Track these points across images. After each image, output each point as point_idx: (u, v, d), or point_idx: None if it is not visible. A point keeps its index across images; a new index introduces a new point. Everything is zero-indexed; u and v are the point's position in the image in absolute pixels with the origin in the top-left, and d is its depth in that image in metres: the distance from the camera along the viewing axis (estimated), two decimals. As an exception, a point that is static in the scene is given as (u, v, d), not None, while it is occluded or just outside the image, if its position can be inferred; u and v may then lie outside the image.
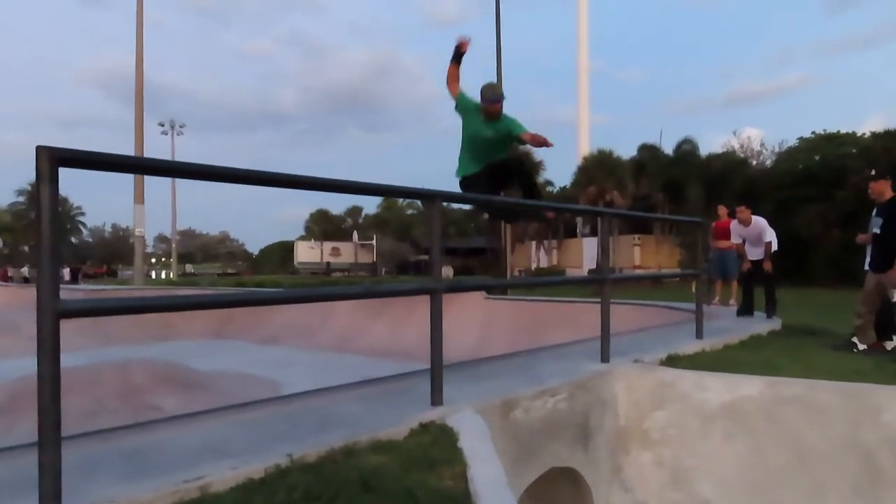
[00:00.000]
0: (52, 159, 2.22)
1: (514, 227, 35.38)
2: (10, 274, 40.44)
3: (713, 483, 5.32)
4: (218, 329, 16.26)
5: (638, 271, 34.08)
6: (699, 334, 7.04)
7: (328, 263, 52.87)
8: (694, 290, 8.12)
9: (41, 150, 2.22)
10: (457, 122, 5.69)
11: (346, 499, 2.53)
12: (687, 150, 36.09)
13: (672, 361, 6.09)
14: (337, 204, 77.94)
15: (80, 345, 13.14)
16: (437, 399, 3.73)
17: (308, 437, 3.09)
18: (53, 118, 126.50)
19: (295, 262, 55.07)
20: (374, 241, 56.33)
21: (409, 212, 66.44)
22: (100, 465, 2.69)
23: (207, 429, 3.28)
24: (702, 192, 31.60)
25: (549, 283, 20.16)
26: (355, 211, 74.04)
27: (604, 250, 6.05)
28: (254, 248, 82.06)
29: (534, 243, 42.96)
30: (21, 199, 62.66)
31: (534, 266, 40.25)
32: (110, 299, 2.97)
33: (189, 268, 65.61)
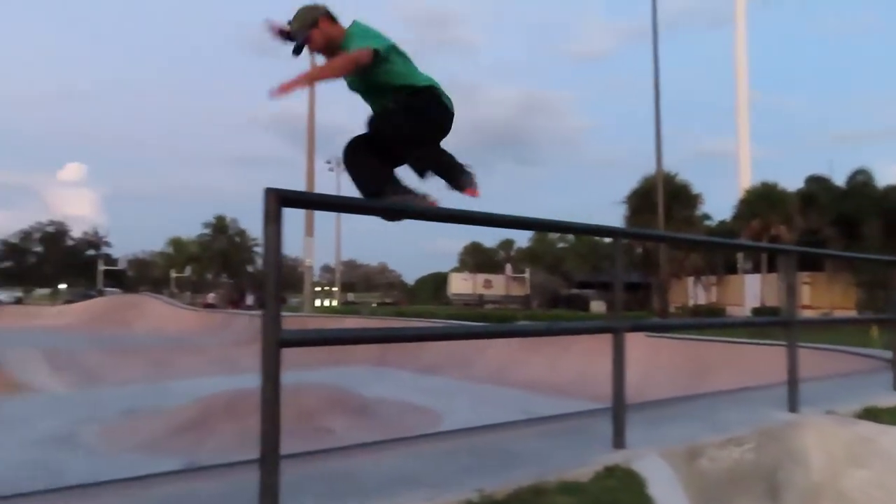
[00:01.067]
0: (278, 200, 2.43)
1: (669, 262, 33.88)
2: (210, 301, 44.04)
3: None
4: (379, 357, 16.96)
5: (812, 313, 31.18)
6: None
7: (481, 295, 53.48)
8: (875, 335, 7.28)
9: (269, 192, 2.43)
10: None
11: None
12: (861, 181, 32.92)
13: (871, 414, 5.45)
14: (490, 237, 78.98)
15: (255, 368, 14.25)
16: (619, 441, 3.61)
17: (495, 473, 3.09)
18: (230, 159, 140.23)
19: (448, 293, 56.26)
20: (526, 275, 56.28)
21: (560, 245, 65.81)
22: (301, 487, 2.85)
23: (395, 457, 3.39)
24: (880, 227, 28.56)
25: (731, 324, 19.01)
26: (507, 244, 74.66)
27: (790, 290, 5.63)
28: (409, 278, 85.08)
29: (691, 279, 40.81)
30: (207, 231, 69.64)
31: (691, 303, 38.13)
32: (327, 330, 3.18)
33: (350, 296, 69.11)
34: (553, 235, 67.81)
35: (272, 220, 2.40)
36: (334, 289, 56.34)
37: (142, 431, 8.75)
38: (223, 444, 7.80)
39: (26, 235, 56.94)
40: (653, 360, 12.74)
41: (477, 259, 69.88)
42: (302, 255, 28.88)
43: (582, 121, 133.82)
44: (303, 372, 14.53)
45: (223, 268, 69.31)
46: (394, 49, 3.27)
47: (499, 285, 56.51)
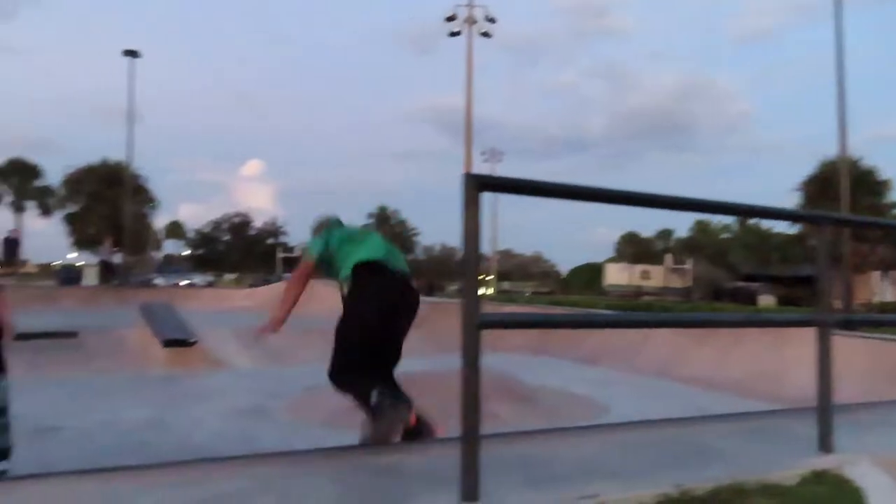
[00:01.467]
0: (476, 185, 2.47)
1: (852, 255, 30.70)
2: None
3: None
4: (537, 346, 16.92)
5: None
6: None
7: (638, 287, 51.64)
8: None
9: (467, 177, 2.48)
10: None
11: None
12: None
13: None
14: (647, 226, 76.13)
15: (420, 350, 14.79)
16: (826, 445, 3.32)
17: (689, 468, 2.97)
18: (390, 153, 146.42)
19: (604, 284, 54.91)
20: (687, 265, 53.53)
21: (724, 235, 61.83)
22: (494, 468, 2.90)
23: (580, 445, 3.37)
24: None
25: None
26: (666, 234, 71.44)
27: None
28: (563, 268, 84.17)
29: (877, 273, 36.65)
30: (370, 221, 73.28)
31: (876, 300, 34.24)
32: (523, 314, 3.21)
33: (505, 285, 69.63)
34: (716, 225, 63.78)
35: (471, 204, 2.45)
36: (489, 277, 57.02)
37: (323, 407, 9.37)
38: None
39: (216, 225, 63.42)
40: (836, 359, 11.60)
41: (634, 249, 67.53)
42: (460, 245, 29.36)
43: (743, 104, 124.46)
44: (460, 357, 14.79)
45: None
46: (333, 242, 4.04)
47: (657, 276, 54.18)
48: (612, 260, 65.20)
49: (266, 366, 12.73)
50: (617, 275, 54.58)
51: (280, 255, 53.06)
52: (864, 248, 32.21)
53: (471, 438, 2.42)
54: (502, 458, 3.09)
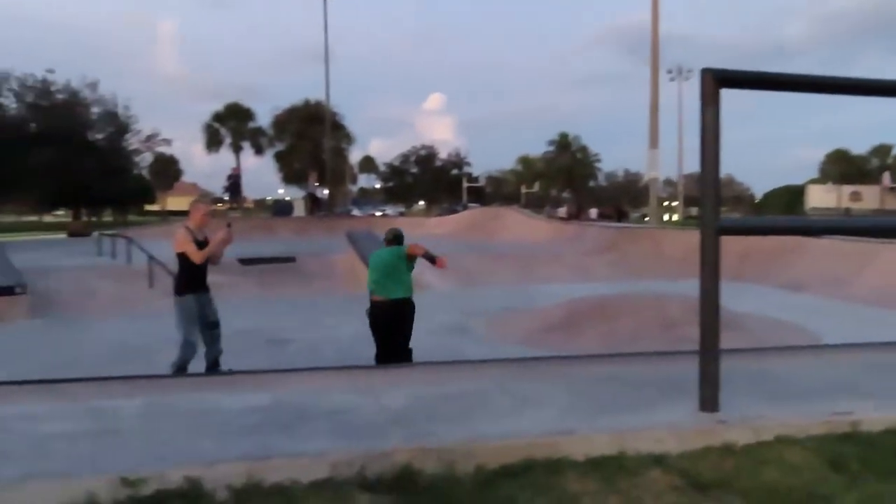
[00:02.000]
0: (715, 81, 2.27)
1: None
2: (561, 214, 45.64)
3: None
4: (735, 271, 15.81)
5: None
6: None
7: (847, 209, 46.01)
8: None
9: (705, 73, 2.28)
10: None
11: None
12: None
13: None
14: (859, 143, 67.20)
15: (608, 276, 14.53)
16: None
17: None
18: (571, 79, 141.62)
19: (806, 208, 49.67)
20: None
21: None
22: (738, 383, 2.75)
23: (827, 363, 3.12)
24: None
25: None
26: (883, 150, 62.45)
27: None
28: (758, 191, 77.61)
29: None
30: (551, 148, 72.13)
31: None
32: (763, 219, 2.98)
33: (693, 210, 65.69)
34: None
35: (710, 103, 2.27)
36: (675, 203, 53.95)
37: (518, 326, 9.60)
38: (589, 343, 8.14)
39: (405, 159, 66.08)
40: None
41: (842, 168, 59.96)
42: (645, 169, 28.04)
43: None
44: (663, 282, 14.36)
45: (567, 183, 71.46)
46: None
47: (871, 198, 47.68)
48: (814, 181, 58.60)
49: (462, 287, 13.25)
50: (822, 196, 48.93)
51: (465, 184, 54.25)
52: None
53: (710, 348, 2.32)
54: (739, 372, 2.94)
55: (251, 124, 55.32)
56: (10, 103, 31.01)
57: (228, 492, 1.84)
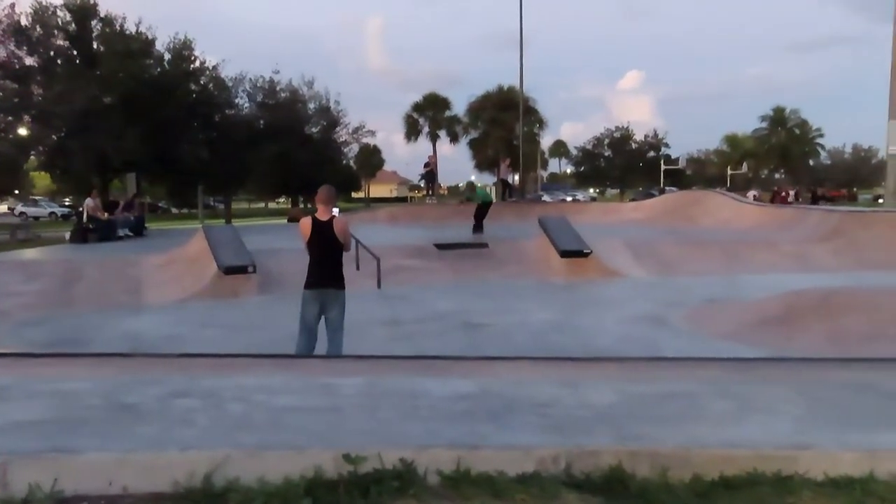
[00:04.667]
0: None
1: None
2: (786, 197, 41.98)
3: None
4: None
5: None
6: None
7: None
8: None
9: None
10: None
11: None
12: None
13: None
14: None
15: (834, 265, 12.96)
16: None
17: None
18: (788, 44, 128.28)
19: None
20: None
21: None
22: None
23: None
24: None
25: None
26: None
27: None
28: None
29: None
30: (764, 125, 66.14)
31: None
32: None
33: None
34: None
35: None
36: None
37: (725, 320, 8.93)
38: (813, 342, 7.32)
39: (598, 142, 64.31)
40: None
41: None
42: (885, 143, 24.67)
43: None
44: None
45: (782, 162, 65.19)
46: None
47: None
48: None
49: (660, 276, 12.62)
50: None
51: (663, 166, 51.65)
52: None
53: None
54: None
55: (447, 113, 57.26)
56: (244, 102, 35.16)
57: (439, 477, 1.88)
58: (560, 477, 1.86)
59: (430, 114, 57.45)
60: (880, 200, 28.13)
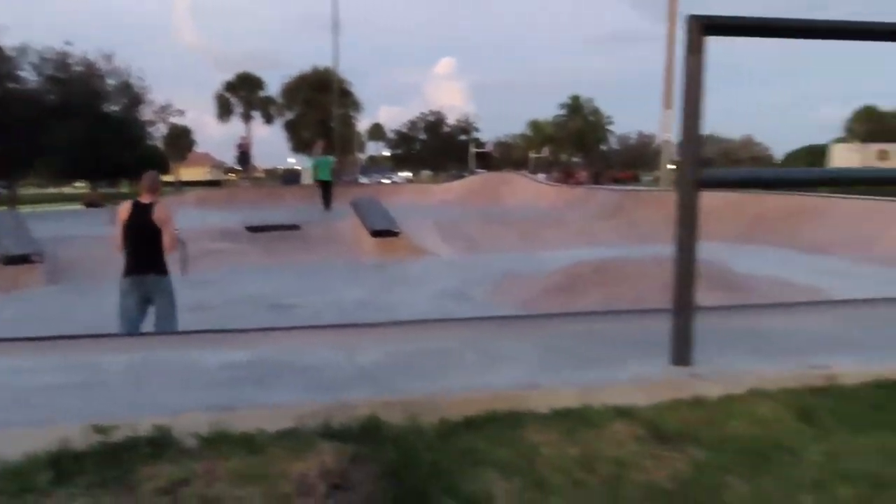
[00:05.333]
0: (700, 28, 2.22)
1: None
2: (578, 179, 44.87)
3: None
4: (746, 233, 15.66)
5: None
6: None
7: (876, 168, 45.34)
8: None
9: (691, 20, 2.23)
10: None
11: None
12: None
13: None
14: (890, 99, 65.84)
15: (614, 240, 14.47)
16: None
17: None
18: (586, 38, 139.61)
19: (828, 167, 49.04)
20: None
21: None
22: (718, 340, 2.75)
23: (813, 320, 3.11)
24: None
25: None
26: (916, 106, 61.25)
27: None
28: (779, 152, 76.39)
29: None
30: (563, 112, 71.33)
31: None
32: (742, 170, 2.94)
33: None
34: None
35: (694, 51, 2.21)
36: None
37: (520, 292, 9.61)
38: (590, 306, 8.14)
39: (412, 125, 65.74)
40: None
41: (870, 127, 58.94)
42: (659, 130, 27.74)
43: None
44: (667, 246, 14.11)
45: (578, 147, 70.83)
46: None
47: (898, 156, 47.05)
48: (839, 140, 57.67)
49: (466, 253, 13.27)
50: (845, 156, 48.23)
51: (473, 150, 53.96)
52: None
53: (683, 303, 2.31)
54: (723, 329, 2.95)
55: (261, 93, 55.14)
56: (30, 76, 31.06)
57: (196, 439, 1.88)
58: (319, 430, 1.94)
59: (243, 94, 54.96)
60: (656, 181, 31.76)
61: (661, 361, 2.32)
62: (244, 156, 29.05)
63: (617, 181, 44.16)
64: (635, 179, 49.19)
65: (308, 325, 3.33)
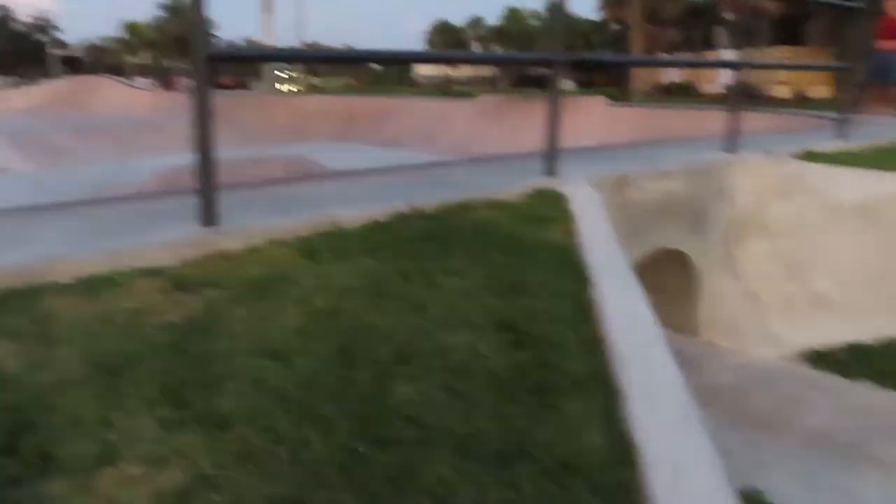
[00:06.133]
0: None
1: (646, 38, 33.04)
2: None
3: (830, 277, 5.25)
4: (341, 133, 16.95)
5: (786, 89, 30.65)
6: (843, 135, 6.49)
7: (447, 76, 52.28)
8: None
9: None
10: None
11: (460, 241, 2.77)
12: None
13: (809, 157, 5.68)
14: (459, 14, 75.19)
15: (225, 145, 14.27)
16: (551, 170, 3.84)
17: (426, 193, 3.34)
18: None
19: (414, 75, 54.82)
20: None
21: (533, 22, 62.87)
22: (252, 205, 3.08)
23: (343, 186, 3.66)
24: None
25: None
26: (477, 22, 71.14)
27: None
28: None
29: (665, 56, 39.77)
30: (162, 13, 65.06)
31: (665, 82, 37.59)
32: (257, 47, 3.19)
33: (315, 81, 66.96)
34: (526, 12, 64.52)
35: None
36: (296, 75, 54.35)
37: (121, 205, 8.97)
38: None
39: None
40: (613, 126, 12.97)
41: (446, 39, 66.97)
42: (260, 36, 27.46)
43: None
44: (270, 147, 14.61)
45: (182, 52, 65.81)
46: None
47: (468, 67, 54.92)
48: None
49: (51, 168, 11.73)
50: (427, 66, 54.39)
51: (57, 52, 46.26)
52: (657, 31, 34.39)
53: (205, 164, 2.53)
54: (253, 201, 3.28)
55: None
56: None
57: None
58: None
59: None
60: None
61: (192, 227, 2.54)
62: None
63: (224, 87, 42.60)
64: (243, 87, 48.10)
65: None
